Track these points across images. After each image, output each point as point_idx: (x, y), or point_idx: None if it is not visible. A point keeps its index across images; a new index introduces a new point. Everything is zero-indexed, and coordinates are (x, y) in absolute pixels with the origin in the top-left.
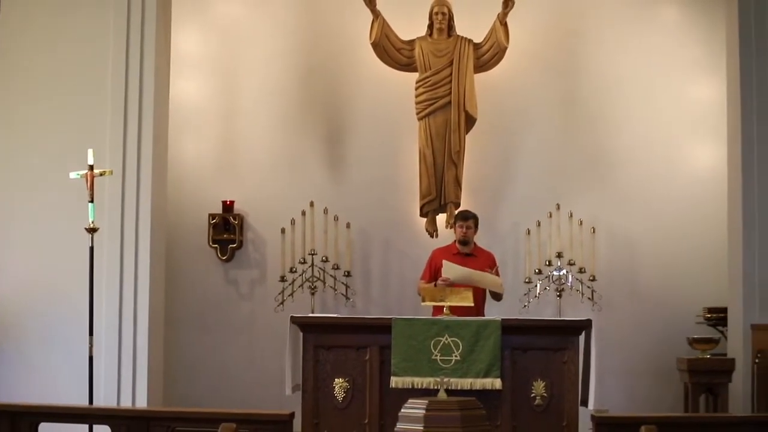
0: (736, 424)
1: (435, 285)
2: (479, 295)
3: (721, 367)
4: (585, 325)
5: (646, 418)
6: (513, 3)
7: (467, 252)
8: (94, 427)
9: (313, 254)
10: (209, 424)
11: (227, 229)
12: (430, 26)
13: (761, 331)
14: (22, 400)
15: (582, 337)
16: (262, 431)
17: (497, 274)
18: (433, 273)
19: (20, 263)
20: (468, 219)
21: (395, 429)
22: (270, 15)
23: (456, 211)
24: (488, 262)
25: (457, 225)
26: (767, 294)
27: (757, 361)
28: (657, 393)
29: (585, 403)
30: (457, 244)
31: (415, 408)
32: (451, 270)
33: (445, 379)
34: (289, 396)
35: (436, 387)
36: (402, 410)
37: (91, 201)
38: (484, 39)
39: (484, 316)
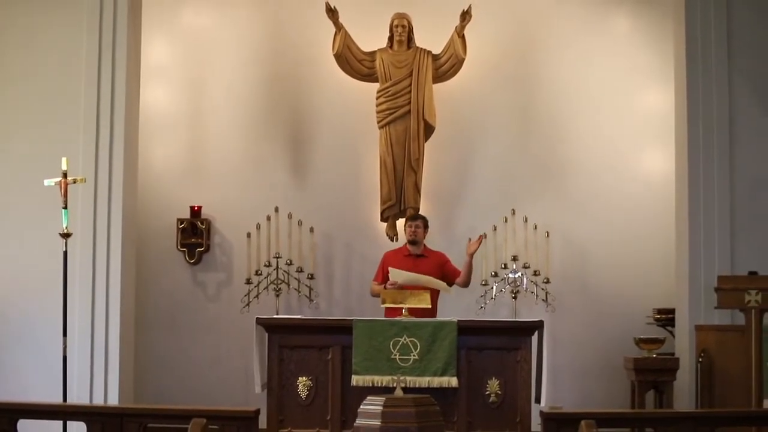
0: (672, 419)
1: (384, 288)
2: (433, 294)
3: (666, 366)
4: (537, 326)
5: (587, 413)
6: (470, 16)
7: (418, 253)
8: (69, 423)
9: (277, 257)
10: (179, 420)
11: (195, 234)
12: (391, 38)
13: (704, 332)
14: None
15: (535, 337)
16: (230, 427)
17: (453, 266)
18: (385, 275)
19: None
20: (417, 219)
21: (355, 424)
22: (236, 26)
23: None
24: (439, 261)
25: (406, 225)
26: (711, 296)
27: (700, 360)
28: (609, 390)
29: (538, 400)
30: (407, 246)
31: (373, 405)
32: (397, 275)
33: (402, 378)
34: (254, 393)
35: (394, 385)
36: (361, 407)
37: (65, 207)
38: (443, 51)
39: (436, 314)
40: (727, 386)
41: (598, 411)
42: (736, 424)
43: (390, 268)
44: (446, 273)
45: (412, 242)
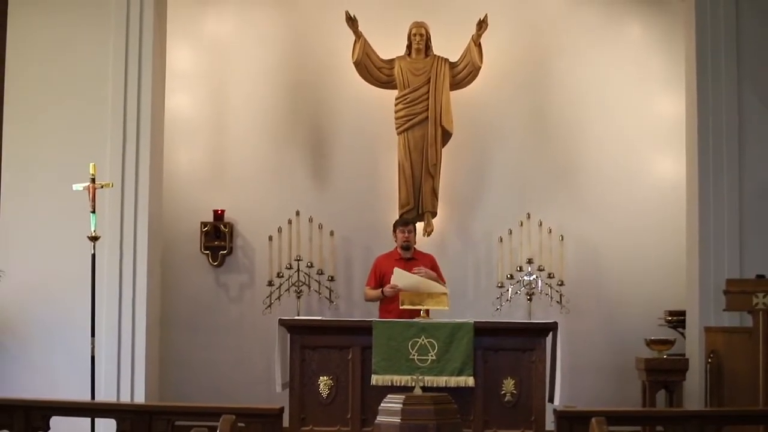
0: (679, 417)
1: (382, 292)
2: None
3: (676, 367)
4: (551, 327)
5: (597, 411)
6: (486, 25)
7: (409, 257)
8: (97, 421)
9: (298, 260)
10: (205, 417)
11: (218, 237)
12: (409, 46)
13: (713, 333)
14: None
15: (549, 338)
16: (255, 424)
17: (440, 273)
18: (378, 279)
19: (27, 269)
20: (409, 224)
21: (376, 421)
22: (258, 34)
23: (400, 219)
24: (429, 264)
25: (398, 231)
26: (721, 298)
27: (709, 360)
28: (622, 390)
29: (552, 399)
30: (399, 250)
31: (393, 403)
32: (401, 278)
33: (421, 377)
34: (275, 392)
35: (413, 384)
36: (381, 404)
37: (93, 211)
38: (460, 58)
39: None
40: (736, 386)
41: (608, 409)
42: (742, 423)
43: (396, 270)
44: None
45: (405, 248)
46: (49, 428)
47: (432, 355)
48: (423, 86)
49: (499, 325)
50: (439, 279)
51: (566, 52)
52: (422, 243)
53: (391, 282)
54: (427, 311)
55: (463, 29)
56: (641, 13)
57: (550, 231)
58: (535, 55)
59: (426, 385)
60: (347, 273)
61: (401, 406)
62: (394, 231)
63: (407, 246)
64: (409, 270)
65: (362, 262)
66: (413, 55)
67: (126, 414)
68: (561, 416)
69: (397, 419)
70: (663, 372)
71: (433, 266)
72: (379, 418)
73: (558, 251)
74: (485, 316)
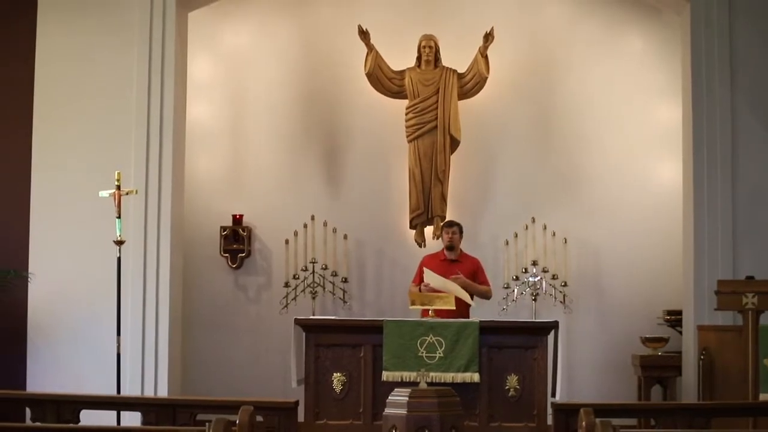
0: (665, 410)
1: (420, 289)
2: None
3: (669, 363)
4: (552, 326)
5: (588, 404)
6: (493, 38)
7: (453, 258)
8: (123, 414)
9: (313, 262)
10: (225, 410)
11: (237, 240)
12: (419, 58)
13: (705, 332)
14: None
15: (551, 337)
16: (272, 417)
17: (483, 276)
18: (421, 277)
19: (56, 272)
20: (453, 226)
21: (384, 413)
22: (274, 45)
23: (442, 222)
24: (472, 267)
25: (443, 232)
26: (714, 298)
27: (702, 357)
28: (622, 385)
29: (554, 394)
30: (444, 251)
31: (400, 396)
32: (430, 278)
33: (426, 372)
34: (291, 388)
35: (419, 379)
36: (389, 398)
37: (119, 217)
38: (467, 69)
39: (468, 317)
40: (727, 382)
41: (599, 402)
42: (727, 416)
43: (425, 270)
44: (477, 279)
45: (449, 248)
46: (79, 421)
47: (440, 353)
48: (432, 96)
49: (504, 324)
50: (482, 282)
51: (569, 63)
52: (431, 246)
53: (424, 281)
54: (441, 312)
55: (470, 42)
56: (641, 27)
57: (554, 234)
58: (539, 65)
59: (434, 381)
60: (360, 275)
61: (407, 399)
62: (441, 232)
63: (450, 246)
64: (451, 271)
65: (374, 264)
66: (423, 66)
67: (151, 407)
68: (557, 409)
69: (403, 411)
70: (657, 368)
71: (477, 269)
72: (387, 411)
73: (562, 254)
74: (492, 315)
